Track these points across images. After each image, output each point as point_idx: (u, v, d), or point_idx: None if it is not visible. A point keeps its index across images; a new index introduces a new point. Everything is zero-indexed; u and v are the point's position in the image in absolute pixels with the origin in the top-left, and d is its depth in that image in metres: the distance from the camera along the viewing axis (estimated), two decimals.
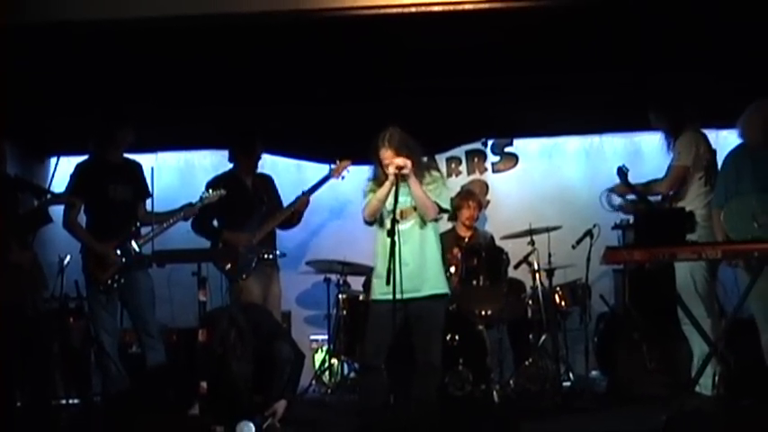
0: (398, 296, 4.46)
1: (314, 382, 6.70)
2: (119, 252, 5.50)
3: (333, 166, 6.28)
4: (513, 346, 6.48)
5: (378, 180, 4.85)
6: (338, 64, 6.23)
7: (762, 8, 5.21)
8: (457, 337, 5.85)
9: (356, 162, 6.15)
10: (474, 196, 6.88)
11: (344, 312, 6.48)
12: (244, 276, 5.88)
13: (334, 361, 6.72)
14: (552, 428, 5.29)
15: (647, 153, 7.14)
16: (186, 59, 6.02)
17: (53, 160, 7.12)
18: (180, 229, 5.83)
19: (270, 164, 6.87)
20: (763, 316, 4.85)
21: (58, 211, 5.46)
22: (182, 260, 5.20)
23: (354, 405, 5.57)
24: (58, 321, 5.89)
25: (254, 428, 4.71)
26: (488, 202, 7.47)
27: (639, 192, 5.41)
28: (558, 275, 6.44)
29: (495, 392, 5.83)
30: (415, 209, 4.78)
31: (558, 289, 6.43)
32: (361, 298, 6.39)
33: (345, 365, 6.66)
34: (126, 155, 5.77)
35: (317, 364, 6.88)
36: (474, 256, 6.13)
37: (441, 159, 7.55)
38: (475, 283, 6.06)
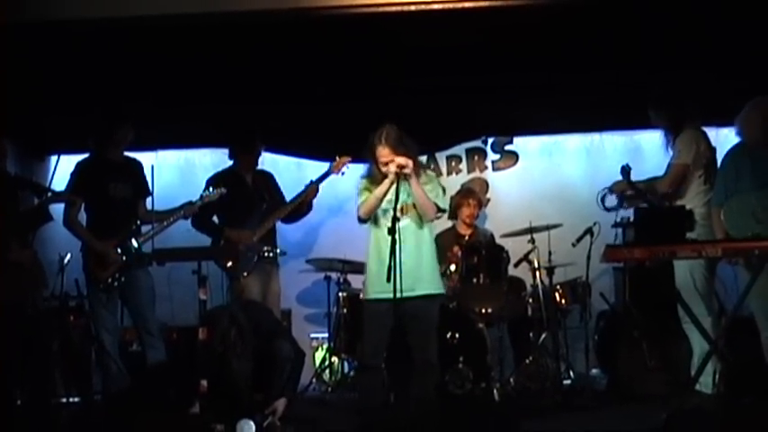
0: (397, 295, 4.46)
1: (314, 380, 6.69)
2: (119, 250, 5.50)
3: (332, 162, 6.28)
4: (513, 345, 6.48)
5: (373, 177, 4.84)
6: (338, 62, 6.24)
7: (762, 6, 5.21)
8: (457, 336, 5.86)
9: (356, 160, 6.15)
10: (474, 194, 6.87)
11: (345, 310, 6.48)
12: (245, 274, 5.90)
13: (335, 359, 6.72)
14: (553, 426, 5.29)
15: (647, 151, 7.14)
16: (185, 58, 6.03)
17: (53, 159, 7.10)
18: (180, 228, 5.84)
19: (270, 162, 6.87)
20: (763, 314, 4.85)
21: (58, 209, 5.45)
22: (182, 258, 5.21)
23: (355, 403, 5.57)
24: (58, 320, 5.89)
25: (254, 427, 4.71)
26: (488, 200, 7.47)
27: (639, 189, 5.40)
28: (559, 273, 6.43)
29: (495, 390, 5.83)
30: (414, 207, 4.78)
31: (558, 287, 6.43)
32: (361, 296, 6.37)
33: (346, 364, 6.65)
34: (126, 153, 5.77)
35: (318, 363, 6.88)
36: (474, 254, 6.13)
37: (441, 157, 7.57)
38: (475, 281, 6.07)
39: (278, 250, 6.14)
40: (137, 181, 5.72)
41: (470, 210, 6.73)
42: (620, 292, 6.49)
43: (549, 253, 6.38)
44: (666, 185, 5.30)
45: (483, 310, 6.07)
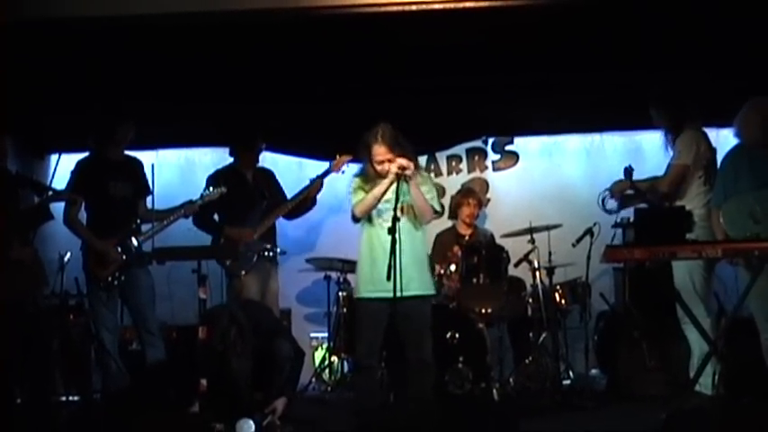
0: (388, 294, 4.49)
1: (314, 379, 6.70)
2: (119, 249, 5.50)
3: (333, 161, 6.28)
4: (513, 345, 6.48)
5: (367, 176, 4.84)
6: (339, 61, 6.24)
7: (762, 7, 5.21)
8: (457, 335, 5.87)
9: (356, 159, 6.15)
10: (474, 194, 6.88)
11: (344, 310, 6.48)
12: (243, 272, 5.90)
13: (334, 358, 6.72)
14: (552, 426, 5.29)
15: (647, 151, 7.13)
16: (186, 57, 6.03)
17: (54, 157, 7.12)
18: (180, 227, 5.84)
19: (270, 161, 6.87)
20: (762, 315, 4.85)
21: (58, 207, 5.45)
22: (182, 257, 5.21)
23: (354, 403, 5.56)
24: (58, 318, 5.90)
25: (253, 426, 4.71)
26: (489, 200, 7.47)
27: (640, 189, 5.40)
28: (559, 274, 6.43)
29: (494, 390, 5.84)
30: (411, 208, 4.78)
31: (558, 287, 6.43)
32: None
33: (345, 363, 6.65)
34: (126, 152, 5.77)
35: (317, 362, 6.89)
36: (474, 254, 6.13)
37: (441, 157, 7.57)
38: (475, 281, 6.07)
39: (278, 249, 6.15)
40: (137, 180, 5.72)
41: (470, 209, 6.74)
42: (620, 293, 6.49)
43: (549, 253, 6.38)
44: (666, 186, 5.30)
45: (483, 310, 6.07)
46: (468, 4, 5.22)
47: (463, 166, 7.61)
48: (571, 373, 6.40)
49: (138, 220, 5.65)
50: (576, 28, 5.68)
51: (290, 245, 6.73)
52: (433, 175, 7.48)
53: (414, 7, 5.24)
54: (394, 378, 5.55)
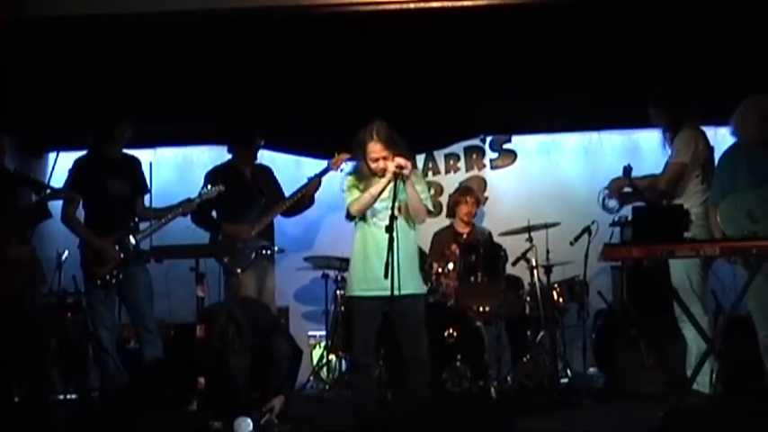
0: (382, 293, 4.50)
1: (312, 377, 6.70)
2: (117, 247, 5.50)
3: (331, 159, 6.28)
4: (510, 343, 6.49)
5: (361, 174, 4.84)
6: (337, 60, 6.24)
7: (761, 5, 5.21)
8: (455, 334, 5.87)
9: (354, 157, 6.15)
10: (472, 193, 6.88)
11: (342, 308, 6.48)
12: (239, 270, 5.89)
13: (332, 357, 6.72)
14: (550, 425, 5.29)
15: (645, 150, 7.14)
16: (185, 55, 6.03)
17: (52, 155, 7.09)
18: (178, 225, 5.83)
19: (268, 159, 6.86)
20: (760, 313, 4.85)
21: (56, 206, 5.45)
22: (180, 256, 5.22)
23: (351, 401, 5.57)
24: (55, 316, 5.89)
25: (251, 424, 4.71)
26: (486, 198, 7.47)
27: (638, 187, 5.40)
28: (556, 272, 6.43)
29: (492, 389, 5.84)
30: (406, 207, 4.78)
31: (555, 286, 6.43)
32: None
33: (343, 361, 6.65)
34: (125, 150, 5.77)
35: (315, 360, 6.89)
36: (472, 253, 6.14)
37: (439, 155, 7.57)
38: (473, 279, 6.07)
39: (275, 247, 6.15)
40: (135, 178, 5.71)
41: (468, 208, 6.74)
42: (618, 291, 6.49)
43: (547, 251, 6.38)
44: (664, 184, 5.29)
45: (480, 309, 6.08)
46: (465, 3, 5.23)
47: (461, 164, 7.60)
48: (569, 372, 6.42)
49: (136, 219, 5.64)
50: (574, 26, 5.68)
51: (289, 243, 6.73)
52: (431, 173, 7.50)
53: (412, 5, 5.24)
54: (391, 376, 5.55)
